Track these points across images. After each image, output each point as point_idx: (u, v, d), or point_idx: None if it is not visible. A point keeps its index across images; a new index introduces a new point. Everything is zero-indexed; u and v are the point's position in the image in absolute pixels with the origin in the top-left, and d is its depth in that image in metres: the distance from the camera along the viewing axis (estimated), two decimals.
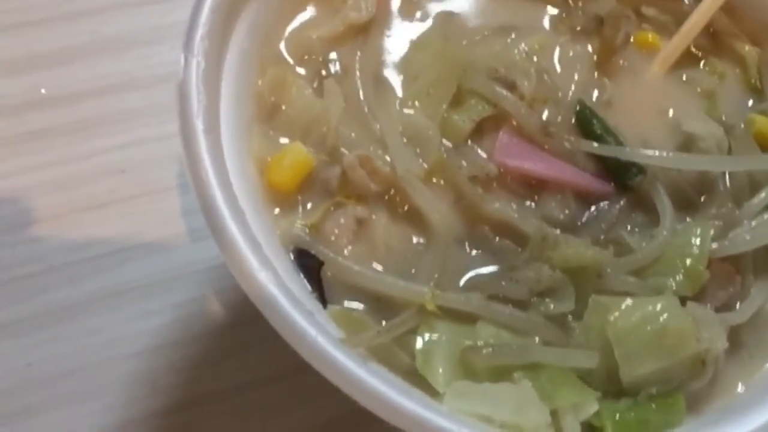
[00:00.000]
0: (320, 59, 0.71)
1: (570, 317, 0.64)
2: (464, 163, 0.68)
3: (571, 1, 0.80)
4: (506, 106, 0.70)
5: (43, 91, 0.85)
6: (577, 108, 0.72)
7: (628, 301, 0.62)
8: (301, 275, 0.62)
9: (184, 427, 0.71)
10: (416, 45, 0.73)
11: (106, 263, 0.78)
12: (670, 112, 0.76)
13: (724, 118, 0.75)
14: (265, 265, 0.55)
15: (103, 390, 0.72)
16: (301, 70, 0.71)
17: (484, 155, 0.69)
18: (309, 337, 0.53)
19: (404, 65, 0.72)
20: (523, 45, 0.75)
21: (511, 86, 0.71)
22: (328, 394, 0.68)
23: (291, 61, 0.71)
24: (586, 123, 0.71)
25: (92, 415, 0.71)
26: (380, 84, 0.71)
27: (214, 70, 0.62)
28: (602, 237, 0.67)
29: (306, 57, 0.71)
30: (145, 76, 0.87)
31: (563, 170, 0.69)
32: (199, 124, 0.57)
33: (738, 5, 0.82)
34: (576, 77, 0.75)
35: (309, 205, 0.66)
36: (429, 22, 0.76)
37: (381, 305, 0.63)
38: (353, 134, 0.67)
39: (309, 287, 0.62)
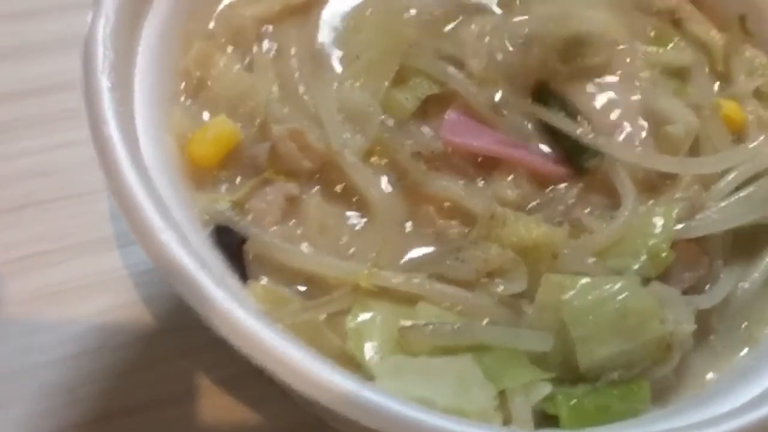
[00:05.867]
0: (253, 37, 0.67)
1: (523, 301, 0.58)
2: (409, 142, 0.62)
3: None
4: (453, 85, 0.65)
5: None
6: (534, 89, 0.67)
7: (585, 279, 0.57)
8: (221, 254, 0.55)
9: None
10: (358, 23, 0.68)
11: (27, 266, 0.72)
12: (636, 95, 0.70)
13: (690, 102, 0.70)
14: (171, 227, 0.49)
15: (18, 399, 0.66)
16: (230, 48, 0.65)
17: (430, 134, 0.63)
18: (217, 302, 0.46)
19: (345, 44, 0.67)
20: (473, 25, 0.69)
21: (460, 65, 0.66)
22: (254, 411, 0.67)
23: (220, 38, 0.66)
24: (543, 103, 0.66)
25: (5, 424, 0.65)
26: (318, 62, 0.66)
27: (127, 31, 0.57)
28: (558, 219, 0.62)
29: (237, 35, 0.66)
30: (74, 78, 0.81)
31: (516, 150, 0.64)
32: (103, 80, 0.53)
33: None
34: (532, 59, 0.69)
35: (235, 182, 0.60)
36: (373, 2, 0.70)
37: (313, 288, 0.58)
38: (286, 110, 0.62)
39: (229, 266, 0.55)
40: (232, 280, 0.54)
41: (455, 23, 0.71)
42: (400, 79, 0.65)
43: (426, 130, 0.65)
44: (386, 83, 0.65)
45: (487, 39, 0.69)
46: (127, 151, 0.51)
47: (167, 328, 0.71)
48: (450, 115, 0.65)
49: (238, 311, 0.47)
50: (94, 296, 0.71)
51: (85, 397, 0.67)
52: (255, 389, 0.68)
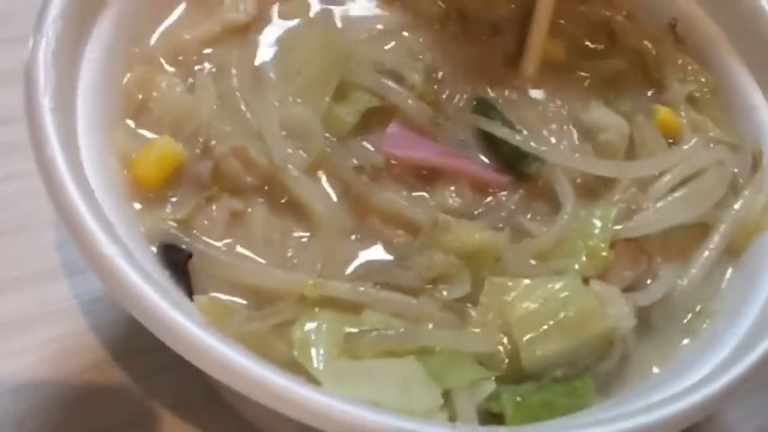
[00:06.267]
0: (194, 58, 0.67)
1: (468, 305, 0.59)
2: (351, 156, 0.63)
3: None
4: (392, 98, 0.66)
5: None
6: (474, 103, 0.69)
7: (526, 281, 0.58)
8: (167, 271, 0.56)
9: None
10: (298, 41, 0.69)
11: None
12: (570, 107, 0.72)
13: (625, 108, 0.72)
14: (115, 241, 0.49)
15: None
16: (172, 69, 0.66)
17: (372, 148, 0.64)
18: (162, 313, 0.47)
19: (285, 61, 0.68)
20: (410, 42, 0.71)
21: (399, 79, 0.67)
22: None
23: (162, 60, 0.66)
24: (483, 113, 0.68)
25: None
26: (259, 80, 0.67)
27: (68, 54, 0.58)
28: (501, 225, 0.63)
29: (179, 57, 0.67)
30: (19, 111, 0.81)
31: (457, 160, 0.66)
32: (45, 102, 0.53)
33: (636, 9, 0.81)
34: (469, 77, 0.71)
35: (180, 201, 0.61)
36: (311, 22, 0.71)
37: (261, 300, 0.58)
38: (229, 128, 0.63)
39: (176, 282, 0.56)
40: (179, 294, 0.55)
41: (393, 43, 0.72)
42: (341, 94, 0.66)
43: (367, 144, 0.66)
44: (327, 98, 0.65)
45: (422, 56, 0.71)
46: (70, 171, 0.51)
47: (116, 355, 0.70)
48: (392, 128, 0.66)
49: (183, 320, 0.47)
50: (42, 326, 0.71)
51: (35, 428, 0.66)
52: (206, 414, 0.68)
